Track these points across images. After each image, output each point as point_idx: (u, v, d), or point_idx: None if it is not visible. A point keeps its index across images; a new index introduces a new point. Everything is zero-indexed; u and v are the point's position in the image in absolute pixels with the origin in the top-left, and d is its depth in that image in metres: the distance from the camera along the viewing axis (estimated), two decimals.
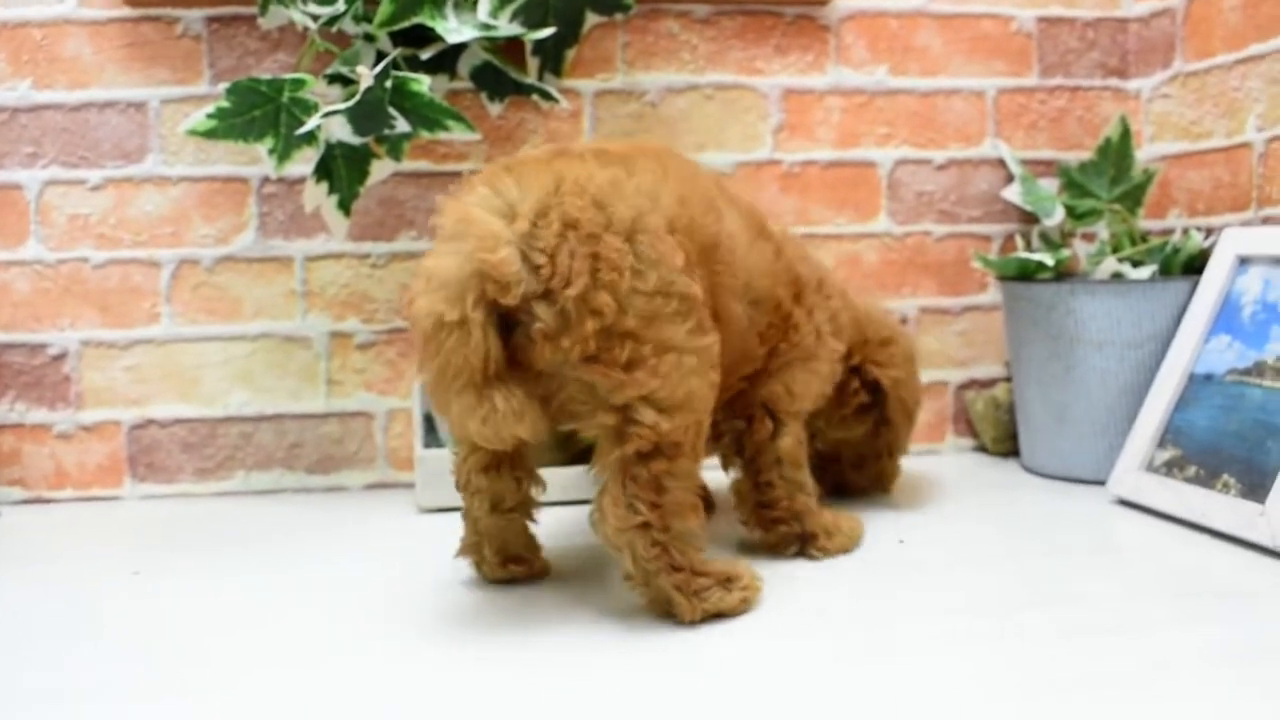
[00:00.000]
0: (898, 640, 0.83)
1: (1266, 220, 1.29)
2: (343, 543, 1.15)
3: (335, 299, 1.38)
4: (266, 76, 1.17)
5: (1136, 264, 1.34)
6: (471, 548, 0.98)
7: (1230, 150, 1.35)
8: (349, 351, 1.39)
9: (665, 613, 0.87)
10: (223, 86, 1.17)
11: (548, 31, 1.26)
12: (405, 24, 1.20)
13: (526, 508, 0.97)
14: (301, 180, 1.31)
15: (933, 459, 1.48)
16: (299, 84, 1.17)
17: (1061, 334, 1.30)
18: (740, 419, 1.05)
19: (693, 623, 0.86)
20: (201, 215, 1.36)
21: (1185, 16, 1.42)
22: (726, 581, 0.89)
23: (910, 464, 1.35)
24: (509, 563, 0.98)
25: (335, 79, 1.22)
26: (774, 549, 1.05)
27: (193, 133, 1.16)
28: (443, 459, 1.25)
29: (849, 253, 1.48)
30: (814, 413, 1.12)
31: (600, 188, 0.84)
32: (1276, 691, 0.71)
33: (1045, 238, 1.46)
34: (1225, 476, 1.10)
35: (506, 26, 1.24)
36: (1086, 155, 1.48)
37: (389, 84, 1.13)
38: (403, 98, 1.16)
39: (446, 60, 1.30)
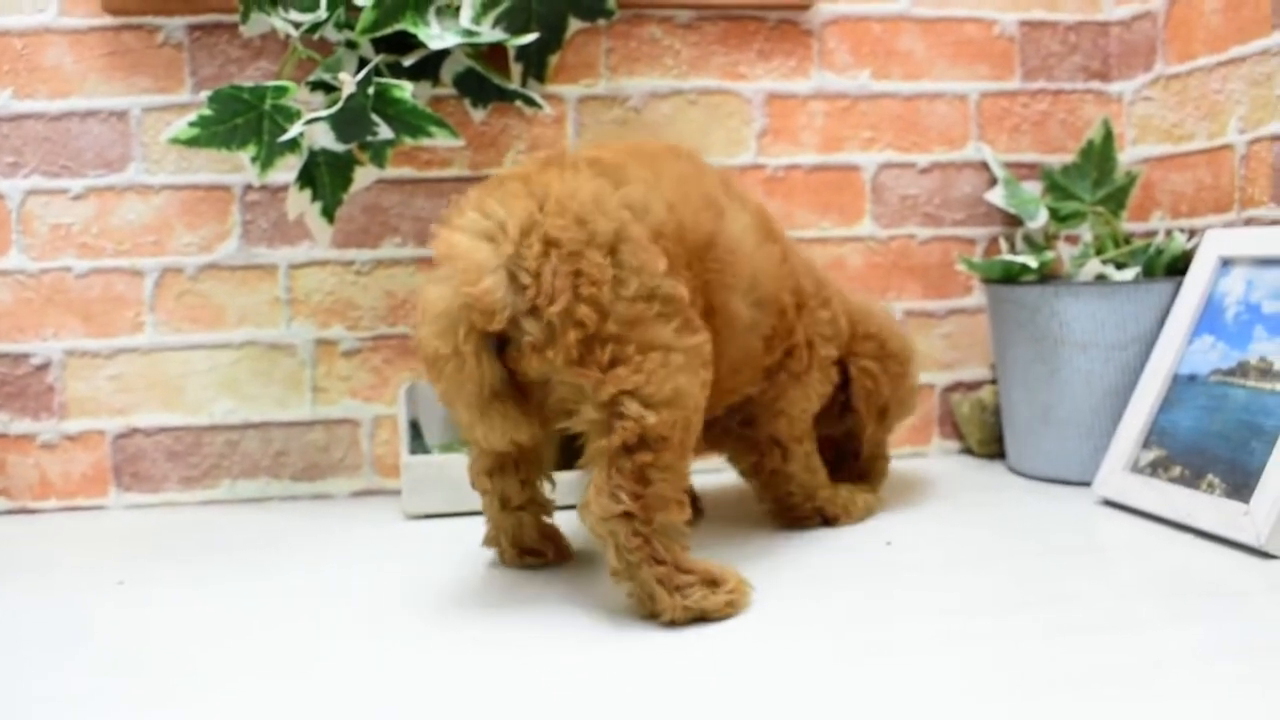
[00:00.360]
0: (890, 640, 0.83)
1: (1249, 221, 1.30)
2: (329, 550, 1.14)
3: (320, 306, 1.38)
4: (249, 84, 1.16)
5: (1120, 266, 1.34)
6: (491, 539, 1.06)
7: (1212, 152, 1.35)
8: (334, 359, 1.39)
9: (649, 611, 0.88)
10: (205, 94, 1.17)
11: (531, 37, 1.26)
12: (387, 30, 1.19)
13: (535, 506, 1.05)
14: (284, 188, 1.31)
15: (919, 461, 1.48)
16: (281, 91, 1.17)
17: (1046, 336, 1.31)
18: (752, 455, 1.13)
19: (673, 622, 0.87)
20: (184, 224, 1.35)
21: (1166, 19, 1.43)
22: (711, 583, 0.89)
23: (897, 466, 1.35)
24: (524, 554, 1.05)
25: (318, 86, 1.22)
26: (796, 528, 1.15)
27: (175, 141, 1.16)
28: (429, 465, 1.25)
29: (834, 256, 1.48)
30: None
31: (582, 204, 0.88)
32: (1271, 689, 0.72)
33: (1029, 240, 1.46)
34: (1210, 476, 1.11)
35: (489, 32, 1.24)
36: (1069, 158, 1.49)
37: (371, 91, 1.13)
38: (385, 104, 1.16)
39: (429, 66, 1.30)
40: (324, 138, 1.17)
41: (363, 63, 1.23)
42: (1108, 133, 1.44)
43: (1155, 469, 1.18)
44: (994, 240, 1.51)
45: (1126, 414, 1.24)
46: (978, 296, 1.52)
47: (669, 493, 0.88)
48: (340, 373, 1.39)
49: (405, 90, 1.15)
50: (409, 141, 1.19)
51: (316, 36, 1.22)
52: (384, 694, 0.76)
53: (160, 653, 0.85)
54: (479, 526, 1.08)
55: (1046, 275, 1.37)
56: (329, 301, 1.38)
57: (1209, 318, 1.21)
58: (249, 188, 1.36)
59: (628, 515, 0.86)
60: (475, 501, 1.07)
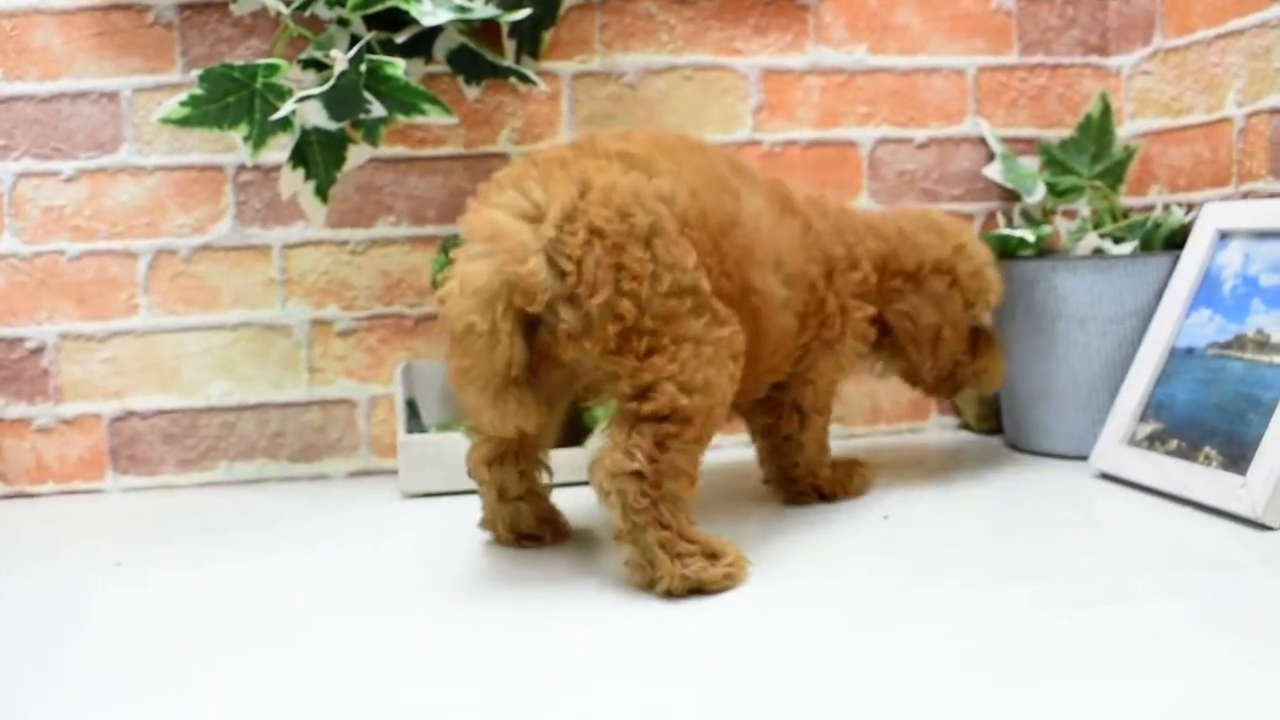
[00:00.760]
0: (887, 615, 0.83)
1: (1246, 195, 1.29)
2: (327, 530, 1.14)
3: (315, 286, 1.38)
4: (240, 63, 1.15)
5: (1118, 240, 1.34)
6: (488, 523, 1.06)
7: (1210, 126, 1.35)
8: (330, 339, 1.38)
9: (647, 580, 0.88)
10: (195, 74, 1.15)
11: (524, 13, 1.25)
12: (379, 7, 1.18)
13: (533, 496, 1.05)
14: (278, 167, 1.30)
15: (916, 437, 1.48)
16: (273, 69, 1.16)
17: (1043, 310, 1.31)
18: (770, 416, 1.14)
19: (669, 592, 0.87)
20: (178, 205, 1.35)
21: None
22: (711, 555, 0.89)
23: (893, 442, 1.35)
24: (522, 538, 1.05)
25: (309, 64, 1.21)
26: (793, 502, 1.17)
27: (166, 121, 1.15)
28: (426, 444, 1.24)
29: None
30: None
31: (624, 197, 0.89)
32: (1268, 661, 0.72)
33: (1027, 215, 1.46)
34: (1207, 449, 1.10)
35: (482, 8, 1.23)
36: (1067, 132, 1.48)
37: (364, 68, 1.12)
38: (378, 82, 1.15)
39: (422, 43, 1.29)
40: (316, 116, 1.17)
41: (354, 40, 1.22)
42: (1105, 107, 1.44)
43: (1152, 442, 1.18)
44: (991, 215, 1.50)
45: (1124, 388, 1.24)
46: None
47: (683, 465, 0.89)
48: (336, 353, 1.38)
49: (398, 67, 1.14)
50: (402, 119, 1.19)
51: (308, 14, 1.21)
52: (383, 671, 0.76)
53: (158, 634, 0.85)
54: (476, 505, 1.08)
55: (1044, 250, 1.37)
56: (324, 281, 1.38)
57: (1206, 291, 1.21)
58: (242, 168, 1.35)
59: (639, 474, 0.87)
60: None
